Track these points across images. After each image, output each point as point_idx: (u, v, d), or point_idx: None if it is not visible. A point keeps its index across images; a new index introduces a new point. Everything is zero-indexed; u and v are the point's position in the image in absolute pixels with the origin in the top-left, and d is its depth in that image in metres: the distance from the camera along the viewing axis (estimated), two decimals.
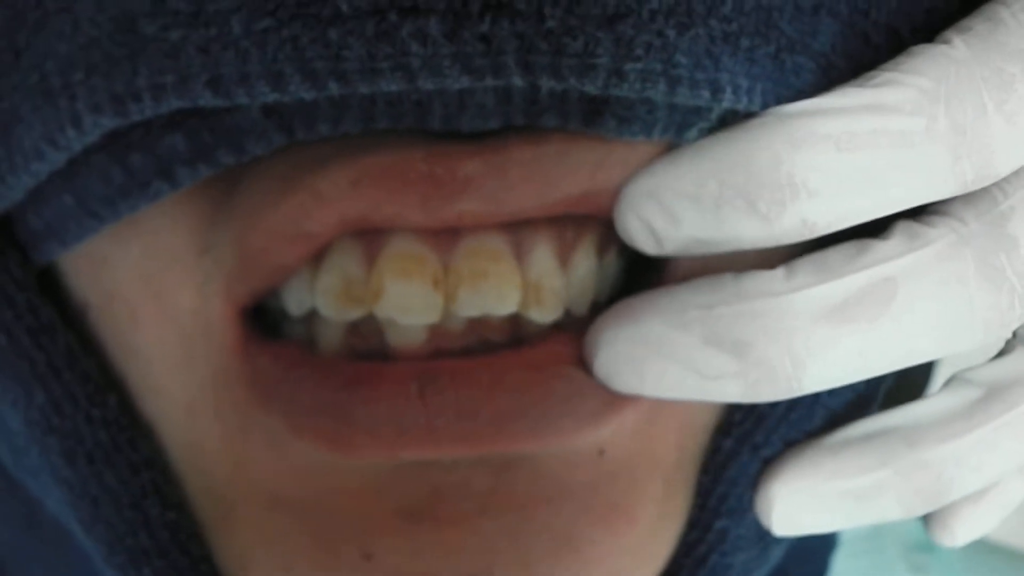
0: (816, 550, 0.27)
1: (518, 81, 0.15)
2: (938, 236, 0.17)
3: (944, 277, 0.17)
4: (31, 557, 0.24)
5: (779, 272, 0.17)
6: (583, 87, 0.15)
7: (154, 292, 0.18)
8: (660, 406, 0.19)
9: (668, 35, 0.15)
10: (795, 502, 0.19)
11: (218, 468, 0.19)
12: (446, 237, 0.18)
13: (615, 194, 0.17)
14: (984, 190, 0.17)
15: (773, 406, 0.20)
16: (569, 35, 0.14)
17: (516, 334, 0.20)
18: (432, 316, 0.18)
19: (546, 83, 0.15)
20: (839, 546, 0.28)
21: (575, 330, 0.19)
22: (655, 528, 0.19)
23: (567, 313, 0.20)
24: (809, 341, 0.16)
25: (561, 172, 0.17)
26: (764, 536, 0.21)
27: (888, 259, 0.16)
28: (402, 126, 0.16)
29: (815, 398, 0.20)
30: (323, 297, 0.19)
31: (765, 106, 0.16)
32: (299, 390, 0.18)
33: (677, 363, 0.17)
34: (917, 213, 0.17)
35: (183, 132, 0.16)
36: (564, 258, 0.19)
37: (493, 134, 0.16)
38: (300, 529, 0.18)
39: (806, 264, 0.17)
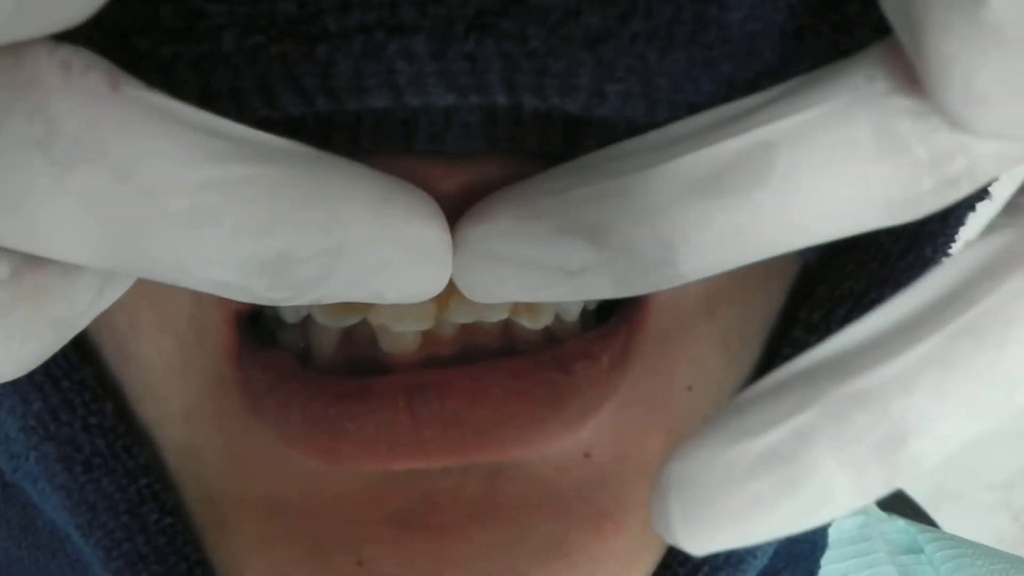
0: (805, 553, 0.27)
1: (502, 99, 0.15)
2: (828, 95, 0.14)
3: (832, 143, 0.14)
4: (26, 564, 0.24)
5: (647, 144, 0.15)
6: (565, 106, 0.15)
7: (152, 298, 0.19)
8: (639, 401, 0.19)
9: (649, 58, 0.15)
10: (698, 488, 0.13)
11: (215, 473, 0.19)
12: None
13: None
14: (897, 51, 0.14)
15: None
16: (552, 56, 0.15)
17: (507, 340, 0.20)
18: (425, 323, 0.19)
19: (529, 102, 0.15)
20: (827, 549, 0.29)
21: (565, 336, 0.20)
22: (644, 533, 0.20)
23: (557, 319, 0.20)
24: (676, 220, 0.14)
25: None
26: (755, 552, 0.21)
27: (766, 121, 0.14)
28: (388, 147, 0.16)
29: None
30: (318, 303, 0.19)
31: None
32: (290, 404, 0.18)
33: (536, 259, 0.15)
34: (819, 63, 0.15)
35: None
36: None
37: (472, 156, 0.17)
38: (294, 535, 0.19)
39: (680, 131, 0.15)
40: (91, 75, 0.12)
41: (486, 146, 0.16)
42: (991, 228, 0.14)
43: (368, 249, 0.14)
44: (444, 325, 0.19)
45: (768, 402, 0.14)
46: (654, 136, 0.15)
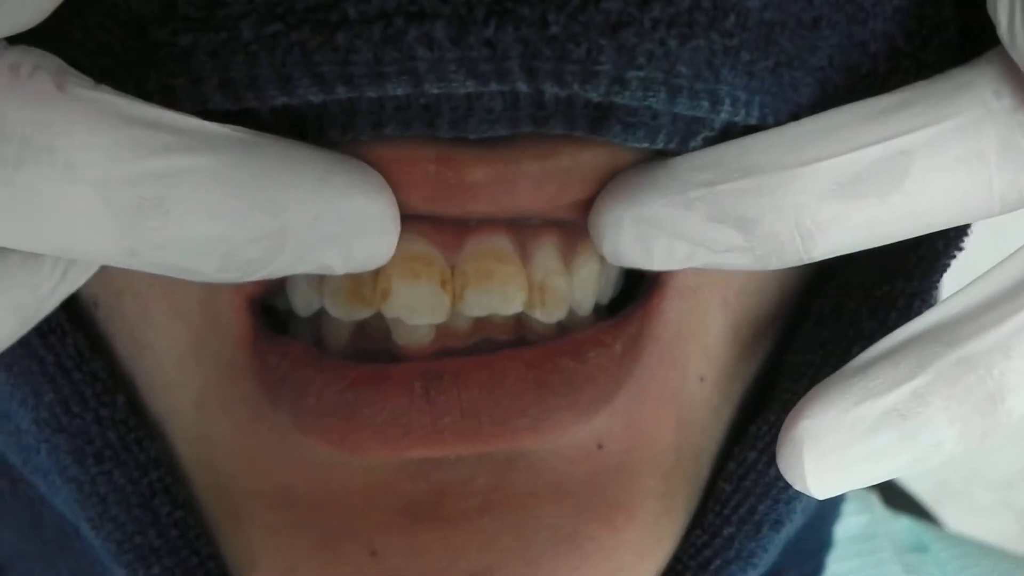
0: (811, 551, 0.27)
1: (522, 86, 0.15)
2: (962, 109, 0.15)
3: (963, 153, 0.15)
4: (33, 559, 0.24)
5: (786, 142, 0.16)
6: (586, 93, 0.15)
7: (164, 286, 0.19)
8: (651, 391, 0.19)
9: (670, 45, 0.15)
10: (829, 442, 0.15)
11: (227, 463, 0.19)
12: (453, 238, 0.18)
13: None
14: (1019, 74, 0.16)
15: None
16: (572, 42, 0.15)
17: (521, 334, 0.20)
18: (439, 316, 0.19)
19: (550, 89, 0.15)
20: (832, 547, 0.29)
21: (578, 330, 0.20)
22: (656, 525, 0.20)
23: (571, 313, 0.20)
24: (817, 216, 0.16)
25: (570, 184, 0.17)
26: (767, 546, 0.21)
27: (905, 131, 0.15)
28: (411, 133, 0.16)
29: None
30: (331, 297, 0.19)
31: (762, 119, 0.16)
32: (306, 390, 0.18)
33: (683, 239, 0.16)
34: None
35: None
36: (568, 259, 0.19)
37: (504, 141, 0.16)
38: (306, 526, 0.19)
39: (815, 131, 0.16)
40: (38, 76, 0.13)
41: (509, 131, 0.16)
42: None
43: (311, 228, 0.15)
44: (458, 318, 0.19)
45: (886, 366, 0.16)
46: (788, 131, 0.16)
